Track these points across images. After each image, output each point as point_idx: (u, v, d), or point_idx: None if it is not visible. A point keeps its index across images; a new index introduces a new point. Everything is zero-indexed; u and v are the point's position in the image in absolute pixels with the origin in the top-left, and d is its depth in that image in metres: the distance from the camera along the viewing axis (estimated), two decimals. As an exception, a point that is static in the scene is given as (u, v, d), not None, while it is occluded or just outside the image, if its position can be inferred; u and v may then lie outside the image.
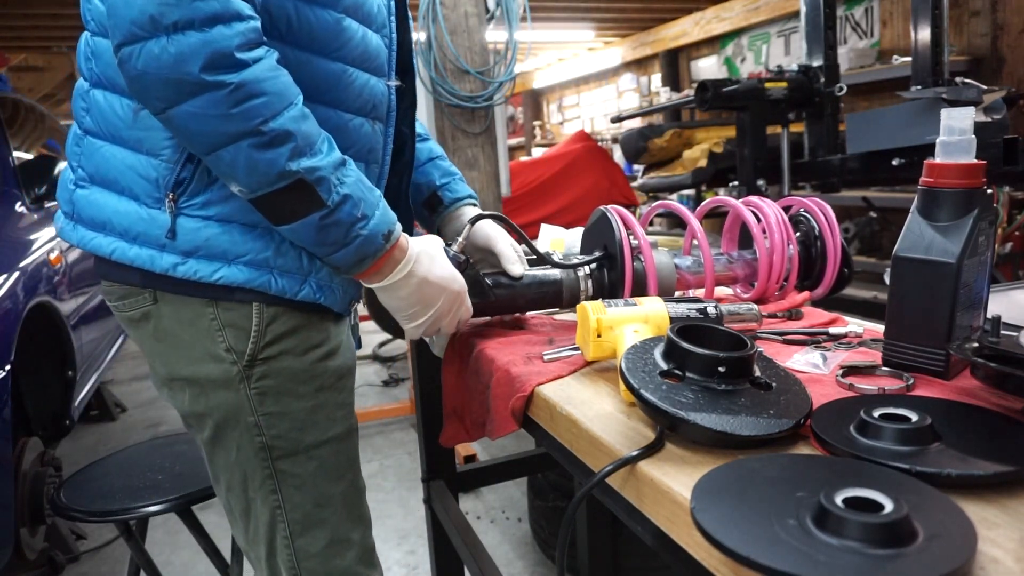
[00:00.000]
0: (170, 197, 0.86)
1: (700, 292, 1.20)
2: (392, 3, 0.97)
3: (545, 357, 0.95)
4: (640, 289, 1.05)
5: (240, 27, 0.74)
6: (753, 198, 1.17)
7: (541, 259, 1.10)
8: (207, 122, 0.75)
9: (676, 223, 5.06)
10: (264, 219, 0.85)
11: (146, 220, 0.87)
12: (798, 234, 1.17)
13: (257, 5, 0.80)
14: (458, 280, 0.97)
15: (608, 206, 1.09)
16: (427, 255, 0.94)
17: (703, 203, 1.22)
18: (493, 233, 1.13)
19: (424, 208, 1.22)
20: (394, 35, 0.96)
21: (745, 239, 1.24)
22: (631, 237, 1.05)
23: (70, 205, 0.93)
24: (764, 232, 1.13)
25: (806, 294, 1.18)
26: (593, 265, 1.09)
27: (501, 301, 1.08)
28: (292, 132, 0.77)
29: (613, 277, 1.06)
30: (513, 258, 1.09)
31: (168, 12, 0.71)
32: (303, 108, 0.80)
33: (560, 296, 1.08)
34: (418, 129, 1.20)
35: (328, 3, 0.86)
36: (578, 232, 1.30)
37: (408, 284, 0.91)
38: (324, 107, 0.88)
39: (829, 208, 1.17)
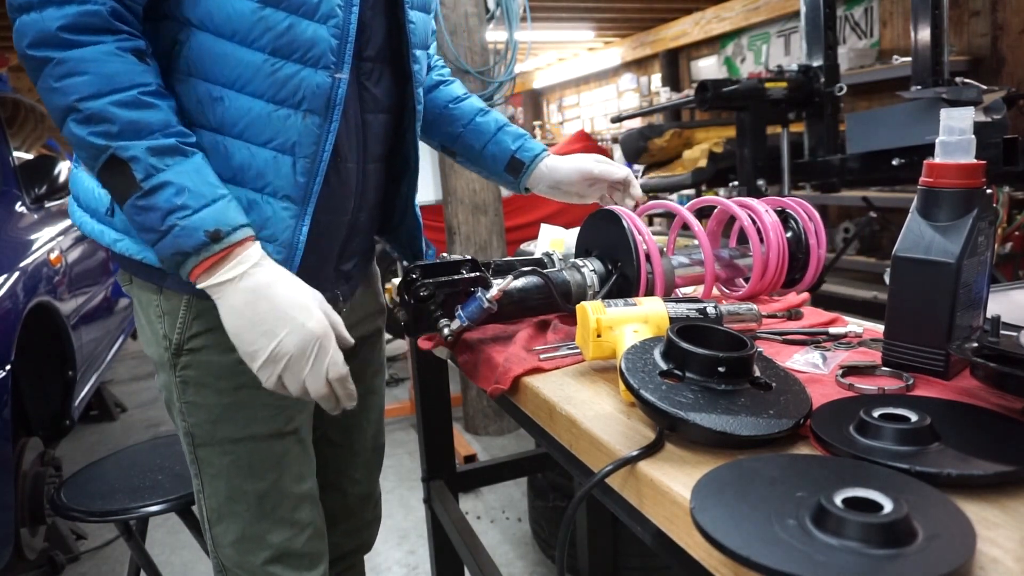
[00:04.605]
0: None
1: (688, 290, 1.20)
2: None
3: (541, 356, 0.95)
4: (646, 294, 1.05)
5: (71, 10, 0.78)
6: (744, 199, 1.18)
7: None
8: (46, 96, 0.81)
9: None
10: None
11: (96, 198, 0.95)
12: (789, 234, 1.18)
13: None
14: (316, 317, 0.84)
15: (616, 207, 1.08)
16: (281, 274, 0.85)
17: (692, 201, 1.22)
18: (576, 166, 1.23)
19: (508, 173, 1.26)
20: (351, 26, 0.91)
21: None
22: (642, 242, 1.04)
23: (71, 184, 1.02)
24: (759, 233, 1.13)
25: (805, 295, 1.18)
26: (599, 267, 1.09)
27: (510, 309, 1.04)
28: (112, 114, 0.79)
29: (622, 282, 1.06)
30: (619, 173, 1.23)
31: None
32: (142, 97, 0.81)
33: (569, 300, 1.07)
34: (480, 104, 1.28)
35: None
36: (577, 232, 1.30)
37: (238, 290, 0.82)
38: (247, 97, 0.89)
39: (813, 208, 1.20)
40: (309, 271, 0.97)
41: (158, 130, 0.81)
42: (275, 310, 0.83)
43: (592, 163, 1.24)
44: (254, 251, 0.85)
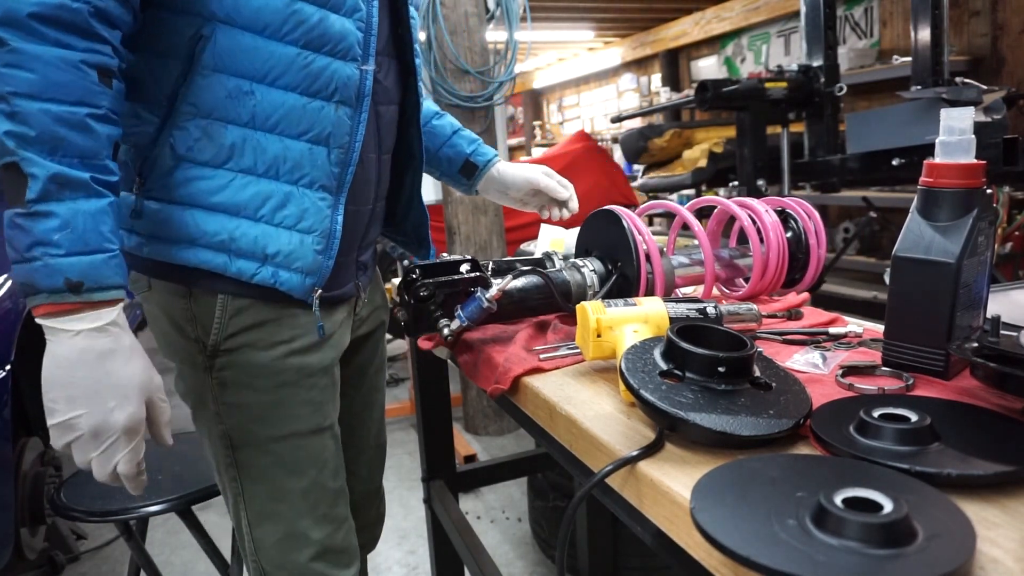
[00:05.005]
0: (137, 181, 0.90)
1: (688, 290, 1.21)
2: None
3: (541, 356, 0.95)
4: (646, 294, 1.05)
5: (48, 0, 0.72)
6: (744, 199, 1.19)
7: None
8: None
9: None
10: (225, 203, 0.89)
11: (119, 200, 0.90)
12: (789, 234, 1.18)
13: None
14: (129, 410, 0.78)
15: (617, 208, 1.09)
16: (125, 349, 0.78)
17: (692, 201, 1.23)
18: (525, 175, 1.30)
19: (462, 175, 1.34)
20: (373, 20, 0.94)
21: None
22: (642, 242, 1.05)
23: None
24: (759, 233, 1.13)
25: (805, 295, 1.18)
26: (599, 267, 1.09)
27: (510, 309, 1.05)
28: (37, 122, 0.73)
29: (622, 282, 1.06)
30: (564, 193, 1.30)
31: None
32: (82, 117, 0.75)
33: (569, 300, 1.07)
34: (435, 107, 1.32)
35: None
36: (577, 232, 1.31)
37: (69, 344, 0.75)
38: (279, 90, 0.89)
39: (813, 208, 1.20)
40: (339, 262, 0.98)
41: (78, 157, 0.75)
42: (90, 383, 0.76)
43: (540, 175, 1.31)
44: (109, 314, 0.78)
